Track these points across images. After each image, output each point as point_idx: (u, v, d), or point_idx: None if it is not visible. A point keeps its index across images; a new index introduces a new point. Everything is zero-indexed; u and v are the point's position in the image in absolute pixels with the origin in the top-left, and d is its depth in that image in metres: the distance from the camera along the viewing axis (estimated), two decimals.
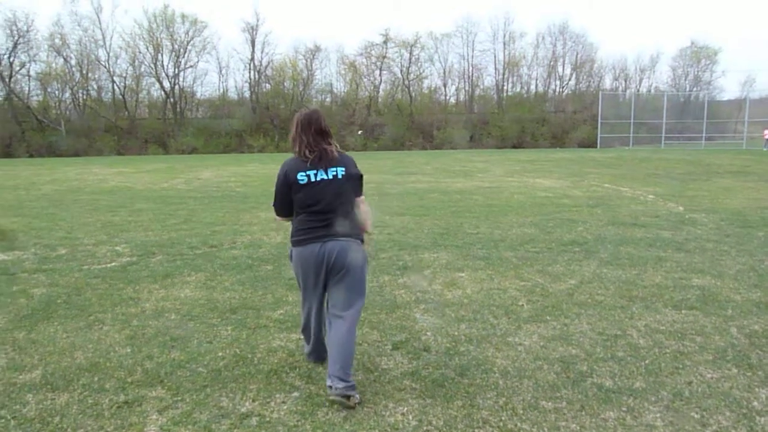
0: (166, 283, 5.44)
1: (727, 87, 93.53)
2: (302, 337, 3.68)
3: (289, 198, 3.20)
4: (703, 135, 40.97)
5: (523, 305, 4.65)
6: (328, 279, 3.21)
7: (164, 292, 5.17)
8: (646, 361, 3.54)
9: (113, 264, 6.26)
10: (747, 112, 40.62)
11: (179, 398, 3.13)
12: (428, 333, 4.05)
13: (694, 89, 50.90)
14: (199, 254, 6.69)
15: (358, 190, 3.29)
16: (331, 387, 3.02)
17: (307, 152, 3.12)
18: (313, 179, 3.11)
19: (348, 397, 3.01)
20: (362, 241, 3.29)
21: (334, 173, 3.15)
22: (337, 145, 3.23)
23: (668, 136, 41.33)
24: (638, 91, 50.26)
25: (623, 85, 52.33)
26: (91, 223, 9.12)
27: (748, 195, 11.66)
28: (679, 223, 8.34)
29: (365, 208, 3.32)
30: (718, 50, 50.83)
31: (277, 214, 3.35)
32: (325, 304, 3.38)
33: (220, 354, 3.73)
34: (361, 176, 3.31)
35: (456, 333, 4.05)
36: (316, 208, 3.13)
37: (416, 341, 3.90)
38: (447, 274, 5.62)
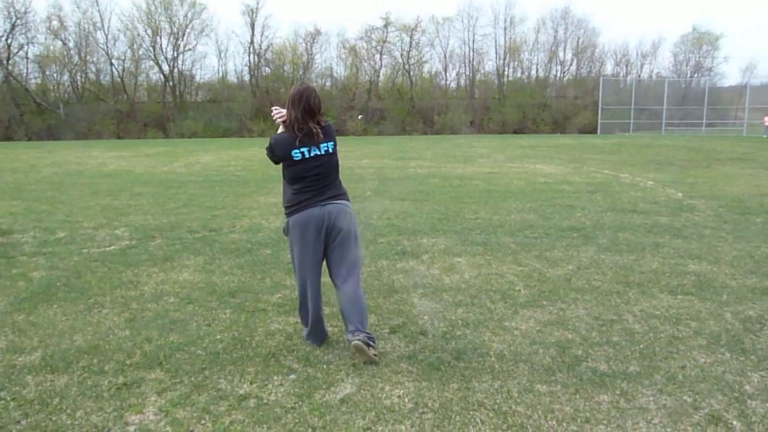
0: (165, 267, 5.46)
1: (729, 73, 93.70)
2: (299, 318, 3.72)
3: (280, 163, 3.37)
4: (704, 121, 40.79)
5: (520, 290, 4.67)
6: (327, 242, 3.37)
7: (163, 275, 5.19)
8: (641, 346, 3.57)
9: (113, 247, 6.28)
10: (748, 99, 40.29)
11: (178, 380, 3.16)
12: (425, 317, 4.08)
13: (695, 75, 50.61)
14: (199, 238, 6.71)
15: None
16: (351, 338, 3.24)
17: (295, 128, 3.24)
18: (307, 155, 3.27)
19: (368, 346, 3.22)
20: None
21: (326, 148, 3.33)
22: (324, 120, 3.36)
23: (669, 123, 41.15)
24: (639, 77, 49.96)
25: (624, 71, 51.96)
26: (91, 206, 9.13)
27: (748, 182, 11.64)
28: (678, 209, 8.34)
29: None
30: (720, 36, 50.53)
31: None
32: (320, 281, 3.48)
33: (218, 337, 3.76)
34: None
35: (453, 317, 4.08)
36: (313, 178, 3.30)
37: (413, 325, 3.93)
38: (445, 259, 5.64)
